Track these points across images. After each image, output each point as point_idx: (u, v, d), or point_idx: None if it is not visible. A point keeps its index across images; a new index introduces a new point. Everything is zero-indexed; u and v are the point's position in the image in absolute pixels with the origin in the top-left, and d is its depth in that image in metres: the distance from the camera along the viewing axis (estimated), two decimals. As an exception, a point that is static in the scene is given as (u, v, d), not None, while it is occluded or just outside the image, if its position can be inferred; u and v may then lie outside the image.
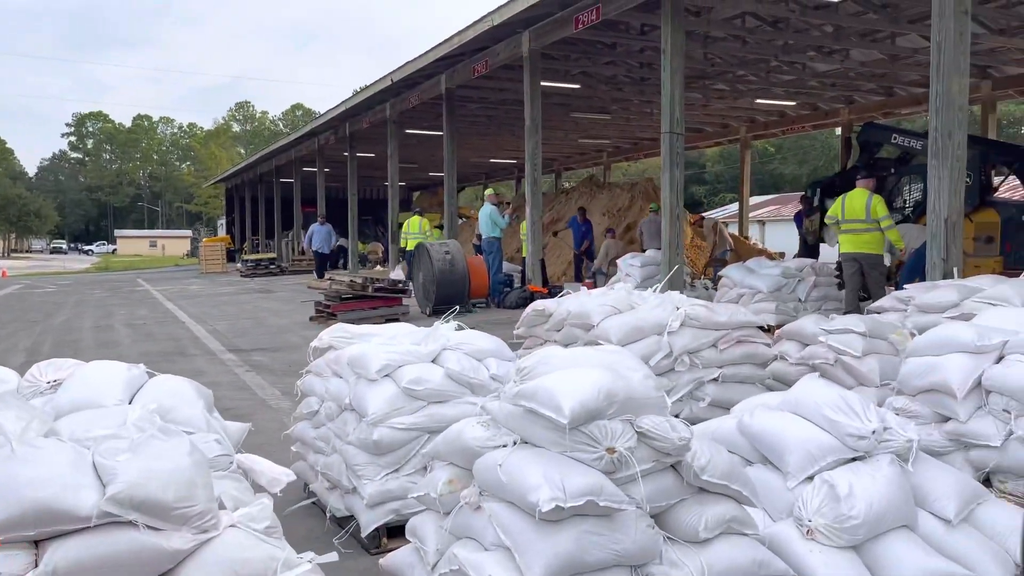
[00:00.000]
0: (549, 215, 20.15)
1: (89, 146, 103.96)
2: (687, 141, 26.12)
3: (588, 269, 16.33)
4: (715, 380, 4.21)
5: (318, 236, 22.38)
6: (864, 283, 9.55)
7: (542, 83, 17.17)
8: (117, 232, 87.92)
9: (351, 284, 11.58)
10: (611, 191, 19.54)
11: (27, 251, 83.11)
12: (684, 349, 4.14)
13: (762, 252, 18.84)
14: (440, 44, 13.34)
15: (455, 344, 3.81)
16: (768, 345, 4.39)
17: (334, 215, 24.66)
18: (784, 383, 5.29)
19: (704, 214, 18.37)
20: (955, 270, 6.24)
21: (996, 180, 13.25)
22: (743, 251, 18.08)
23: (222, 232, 44.58)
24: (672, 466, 2.63)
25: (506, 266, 14.99)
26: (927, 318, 5.54)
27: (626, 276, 11.10)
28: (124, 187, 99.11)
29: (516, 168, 33.54)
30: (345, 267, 23.94)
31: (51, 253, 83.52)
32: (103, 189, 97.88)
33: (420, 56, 14.26)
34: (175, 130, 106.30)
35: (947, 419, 3.84)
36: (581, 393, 2.42)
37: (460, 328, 4.10)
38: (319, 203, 25.14)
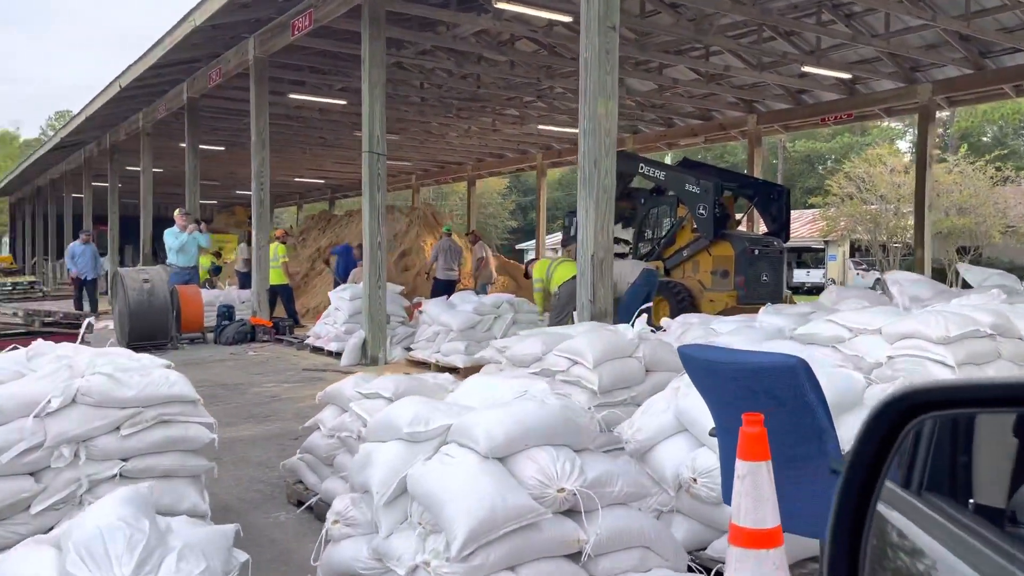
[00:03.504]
0: (327, 239, 18.86)
1: None
2: (488, 167, 25.59)
3: None
4: (115, 478, 3.09)
5: (80, 259, 19.97)
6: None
7: (308, 97, 16.02)
8: None
9: (21, 317, 9.86)
10: (390, 215, 18.42)
11: None
12: (64, 437, 2.99)
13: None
14: (154, 47, 11.85)
15: None
16: (211, 426, 3.32)
17: (129, 234, 22.28)
18: (325, 461, 4.29)
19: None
20: (574, 316, 5.47)
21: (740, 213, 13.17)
22: (525, 284, 17.35)
23: (6, 251, 40.50)
24: None
25: (240, 293, 13.48)
26: (518, 372, 4.73)
27: (335, 310, 9.97)
28: None
29: (328, 188, 32.03)
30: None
31: None
32: None
33: (139, 60, 12.69)
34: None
35: (384, 529, 2.89)
36: None
37: None
38: (85, 220, 22.71)
